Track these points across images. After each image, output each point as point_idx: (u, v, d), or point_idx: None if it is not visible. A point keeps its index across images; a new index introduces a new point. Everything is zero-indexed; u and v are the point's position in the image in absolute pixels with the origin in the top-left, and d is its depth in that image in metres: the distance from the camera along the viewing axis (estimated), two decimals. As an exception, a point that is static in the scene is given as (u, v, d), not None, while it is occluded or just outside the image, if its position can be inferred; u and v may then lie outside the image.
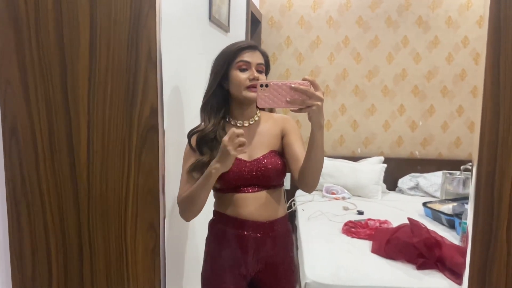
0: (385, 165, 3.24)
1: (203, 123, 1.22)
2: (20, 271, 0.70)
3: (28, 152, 0.66)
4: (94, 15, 0.63)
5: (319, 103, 1.01)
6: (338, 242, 2.15)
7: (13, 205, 0.68)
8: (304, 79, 0.99)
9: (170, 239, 1.39)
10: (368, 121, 3.44)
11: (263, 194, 1.25)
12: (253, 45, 1.23)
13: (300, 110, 1.02)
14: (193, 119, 1.41)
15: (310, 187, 1.18)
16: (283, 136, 1.28)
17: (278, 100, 1.01)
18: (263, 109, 1.32)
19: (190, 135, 1.22)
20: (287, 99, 1.01)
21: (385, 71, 3.33)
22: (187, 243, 1.60)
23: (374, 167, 3.28)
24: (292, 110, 1.03)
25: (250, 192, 1.24)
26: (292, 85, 0.99)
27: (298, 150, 1.24)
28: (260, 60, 1.23)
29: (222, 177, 1.16)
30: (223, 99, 1.24)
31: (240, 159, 1.20)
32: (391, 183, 3.33)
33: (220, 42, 2.05)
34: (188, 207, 1.18)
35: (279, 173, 1.25)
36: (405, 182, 3.28)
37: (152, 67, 0.62)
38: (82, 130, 0.65)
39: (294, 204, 3.07)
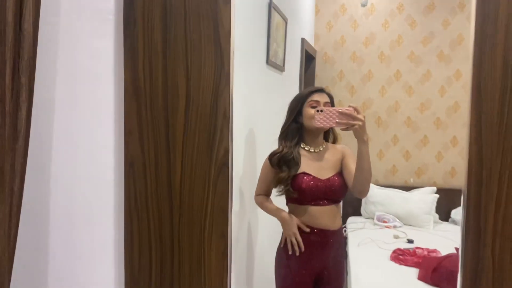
0: (437, 196, 3.29)
1: (281, 147, 1.63)
2: (130, 263, 0.98)
3: (140, 179, 0.95)
4: (189, 88, 0.91)
5: (360, 123, 1.36)
6: (386, 268, 2.27)
7: (128, 217, 0.97)
8: (349, 106, 1.36)
9: (243, 246, 1.79)
10: (421, 152, 3.50)
11: (332, 207, 1.64)
12: (321, 89, 1.65)
13: (346, 129, 1.38)
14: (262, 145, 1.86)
15: (361, 193, 1.55)
16: (342, 160, 1.65)
17: (330, 121, 1.37)
18: (327, 141, 1.72)
19: (271, 155, 1.64)
20: (337, 120, 1.36)
21: (438, 103, 3.41)
22: (256, 249, 1.98)
23: (426, 197, 3.33)
24: (341, 129, 1.40)
25: (323, 205, 1.61)
26: (340, 110, 1.35)
27: (352, 168, 1.57)
28: (327, 99, 1.62)
29: (301, 191, 1.57)
30: (297, 130, 1.64)
31: (315, 177, 1.61)
32: (444, 213, 3.34)
33: (275, 81, 2.31)
34: (259, 208, 1.70)
35: (344, 190, 1.62)
36: (458, 213, 3.27)
37: (226, 123, 0.90)
38: (177, 165, 0.93)
39: (345, 231, 3.19)
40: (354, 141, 1.48)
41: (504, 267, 0.79)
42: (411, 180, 3.65)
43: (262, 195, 1.69)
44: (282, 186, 1.58)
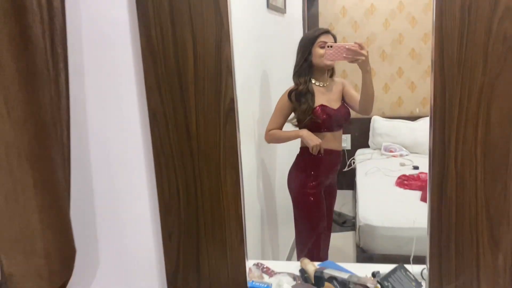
0: (442, 123, 3.39)
1: (296, 85, 1.94)
2: (162, 193, 1.20)
3: (163, 127, 1.14)
4: (195, 47, 1.07)
5: (363, 57, 1.65)
6: (391, 193, 2.46)
7: (156, 159, 1.17)
8: (355, 43, 1.63)
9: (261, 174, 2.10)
10: (426, 82, 3.55)
11: (340, 132, 2.04)
12: (327, 31, 1.95)
13: (352, 61, 1.67)
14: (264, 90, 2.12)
15: (367, 110, 1.92)
16: (342, 90, 2.01)
17: (338, 55, 1.65)
18: (330, 77, 2.04)
19: (289, 93, 1.95)
20: (344, 55, 1.64)
21: (441, 32, 3.41)
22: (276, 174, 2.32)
23: (432, 126, 3.45)
24: (348, 61, 1.68)
25: (335, 131, 2.00)
26: (347, 46, 1.64)
27: (354, 93, 1.99)
28: (332, 40, 1.92)
29: (322, 120, 1.92)
30: (308, 68, 1.93)
31: (329, 107, 1.96)
32: (449, 139, 3.46)
33: (277, 24, 2.37)
34: (274, 141, 2.08)
35: (349, 116, 2.03)
36: (462, 138, 3.40)
37: (229, 74, 1.06)
38: (193, 112, 1.11)
39: (353, 162, 3.37)
40: (357, 74, 1.76)
41: (464, 176, 0.99)
42: (417, 110, 3.75)
43: (276, 129, 1.98)
44: (306, 116, 1.90)
